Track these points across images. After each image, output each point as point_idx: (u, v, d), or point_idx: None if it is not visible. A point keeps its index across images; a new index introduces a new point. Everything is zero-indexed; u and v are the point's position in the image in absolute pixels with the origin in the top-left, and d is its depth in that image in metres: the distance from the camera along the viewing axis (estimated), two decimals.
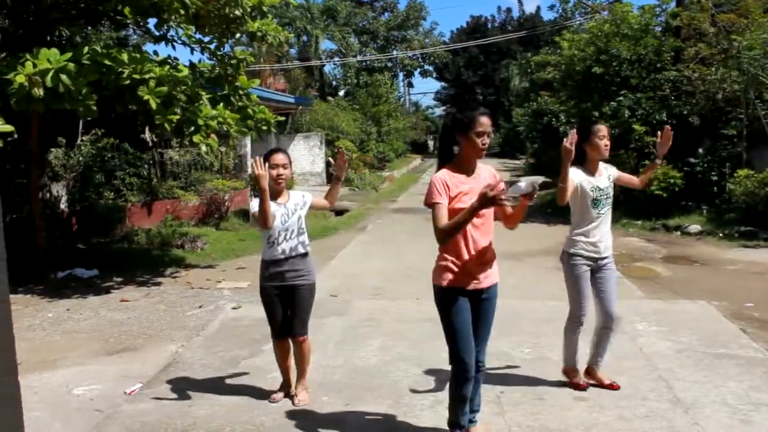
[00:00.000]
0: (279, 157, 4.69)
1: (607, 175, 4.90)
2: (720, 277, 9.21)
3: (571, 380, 5.02)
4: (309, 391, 4.91)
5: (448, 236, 3.67)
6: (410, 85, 59.62)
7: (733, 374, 5.23)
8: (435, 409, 4.56)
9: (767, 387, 4.95)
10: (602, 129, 4.84)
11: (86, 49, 7.53)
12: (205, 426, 4.45)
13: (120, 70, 7.56)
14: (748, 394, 4.82)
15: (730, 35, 14.07)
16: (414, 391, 4.99)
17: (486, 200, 3.42)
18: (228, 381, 5.32)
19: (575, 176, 4.77)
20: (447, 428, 3.99)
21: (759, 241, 11.51)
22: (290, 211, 4.67)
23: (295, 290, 4.67)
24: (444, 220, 3.64)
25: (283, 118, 12.30)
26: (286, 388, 4.94)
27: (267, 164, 4.62)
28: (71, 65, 7.12)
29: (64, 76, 7.00)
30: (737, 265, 9.98)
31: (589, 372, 5.04)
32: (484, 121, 3.73)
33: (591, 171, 4.84)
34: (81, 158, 12.63)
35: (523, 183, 3.65)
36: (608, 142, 4.83)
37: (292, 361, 4.90)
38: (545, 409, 4.61)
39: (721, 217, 13.22)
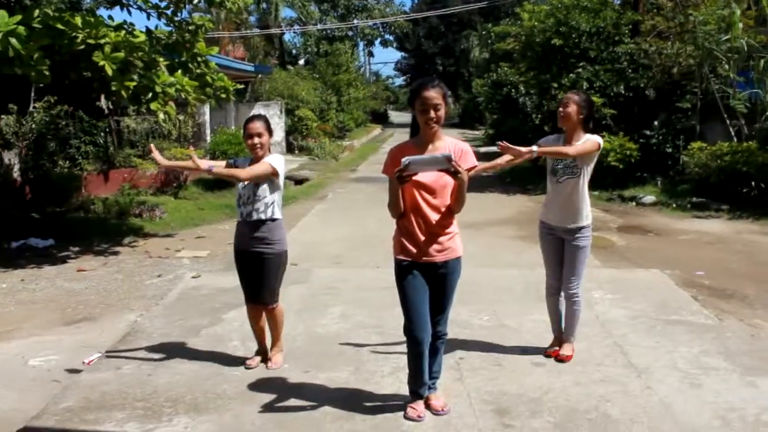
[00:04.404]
0: (253, 126, 4.59)
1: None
2: (673, 246, 9.43)
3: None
4: (283, 354, 4.97)
5: (389, 208, 3.79)
6: (371, 54, 59.42)
7: (684, 340, 5.39)
8: (396, 376, 4.61)
9: (716, 352, 5.12)
10: (565, 98, 4.79)
11: (37, 11, 7.30)
12: (165, 394, 4.43)
13: (73, 34, 7.35)
14: (698, 358, 4.98)
15: (687, 9, 14.23)
16: (375, 357, 5.04)
17: (396, 177, 3.50)
18: (188, 350, 5.29)
19: (544, 144, 4.82)
20: (408, 395, 4.06)
21: (710, 212, 11.80)
22: None
23: (261, 258, 4.68)
24: (389, 191, 3.73)
25: (242, 86, 12.17)
26: (261, 353, 4.98)
27: (245, 132, 4.62)
28: (21, 28, 6.89)
29: (13, 40, 6.77)
30: (689, 234, 10.23)
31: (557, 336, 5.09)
32: (427, 95, 3.57)
33: (566, 140, 4.78)
34: (34, 125, 12.27)
35: (427, 155, 3.56)
36: (565, 110, 4.69)
37: (266, 326, 4.93)
38: (503, 375, 4.70)
39: (675, 189, 13.48)
